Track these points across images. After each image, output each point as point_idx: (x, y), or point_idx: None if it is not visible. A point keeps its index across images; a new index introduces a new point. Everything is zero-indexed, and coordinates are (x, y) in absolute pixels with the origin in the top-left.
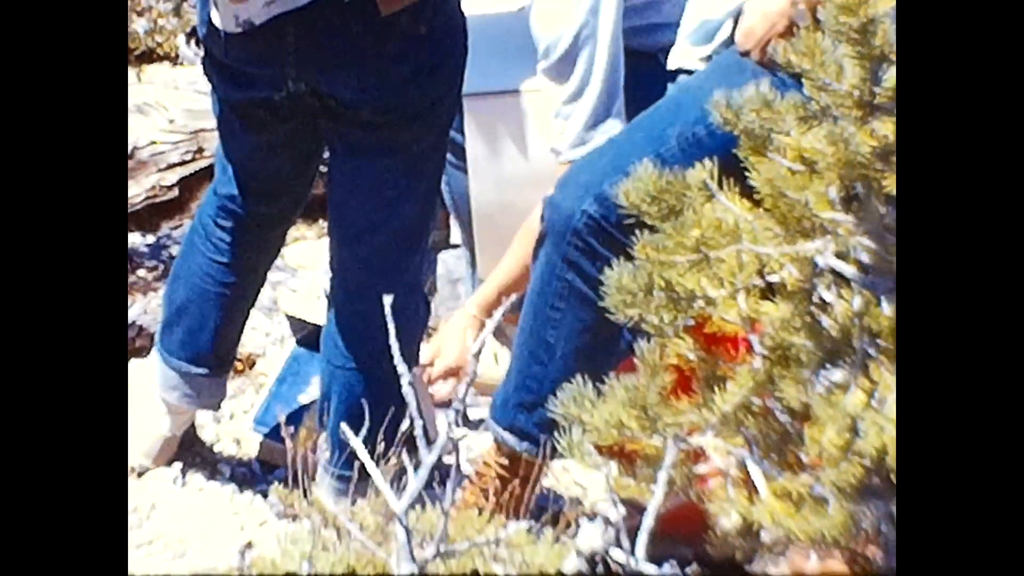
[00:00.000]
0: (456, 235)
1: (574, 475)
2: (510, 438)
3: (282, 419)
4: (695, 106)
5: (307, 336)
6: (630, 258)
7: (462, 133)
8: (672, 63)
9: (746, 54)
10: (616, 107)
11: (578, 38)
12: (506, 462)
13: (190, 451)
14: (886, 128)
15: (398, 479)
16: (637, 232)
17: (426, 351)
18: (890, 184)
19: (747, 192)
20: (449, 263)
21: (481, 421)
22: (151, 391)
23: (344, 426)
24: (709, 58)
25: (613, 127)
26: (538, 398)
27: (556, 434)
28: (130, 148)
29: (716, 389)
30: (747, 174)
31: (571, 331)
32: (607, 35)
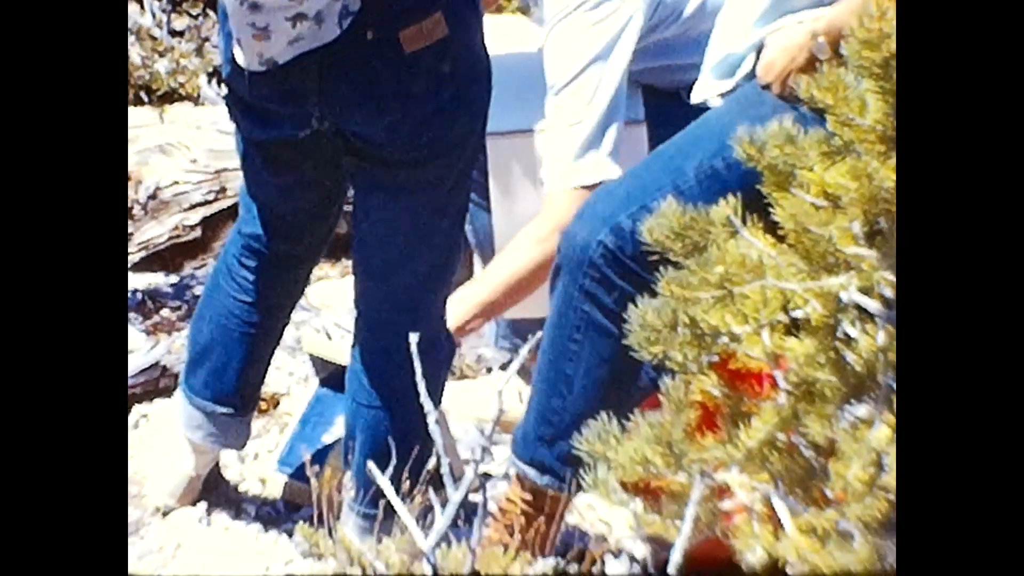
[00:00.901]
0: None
1: (599, 512)
2: (531, 472)
3: (307, 458)
4: (713, 139)
5: (331, 375)
6: (647, 290)
7: (485, 172)
8: (695, 97)
9: (767, 87)
10: (608, 143)
11: (586, 69)
12: (529, 497)
13: (215, 491)
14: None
15: (423, 517)
16: (654, 264)
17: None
18: None
19: (771, 228)
20: None
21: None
22: (175, 430)
23: (371, 464)
24: (731, 92)
25: (601, 161)
26: (558, 431)
27: (581, 470)
28: (152, 188)
29: (741, 425)
30: (770, 210)
31: (590, 363)
32: (617, 72)
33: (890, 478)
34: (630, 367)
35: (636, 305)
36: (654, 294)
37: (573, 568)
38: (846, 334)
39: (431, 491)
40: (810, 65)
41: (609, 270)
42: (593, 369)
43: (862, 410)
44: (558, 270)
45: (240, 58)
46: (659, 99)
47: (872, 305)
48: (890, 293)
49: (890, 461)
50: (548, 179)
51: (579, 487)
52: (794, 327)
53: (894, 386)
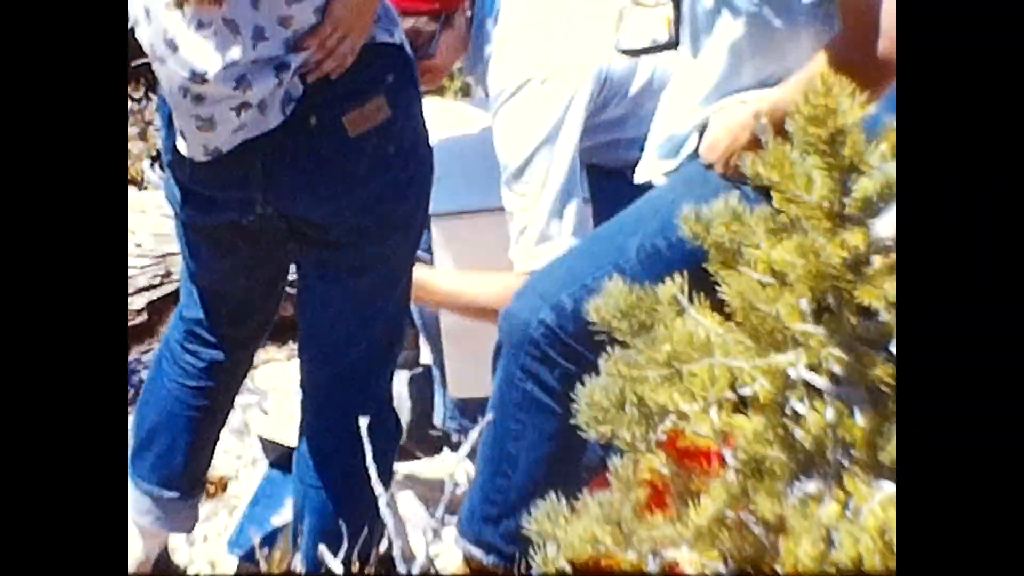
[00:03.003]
0: (426, 355)
1: None
2: (477, 552)
3: (256, 541)
4: (656, 217)
5: (280, 458)
6: (589, 368)
7: (430, 252)
8: (639, 177)
9: (710, 167)
10: (568, 222)
11: (536, 151)
12: None
13: (164, 575)
14: (856, 239)
15: None
16: (596, 342)
17: None
18: (861, 294)
19: (717, 306)
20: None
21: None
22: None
23: (322, 547)
24: (675, 171)
25: (564, 242)
26: (503, 510)
27: (529, 549)
28: None
29: (690, 503)
30: (717, 287)
31: (533, 441)
32: (567, 151)
33: (841, 553)
34: (574, 444)
35: (578, 383)
36: (596, 372)
37: None
38: (794, 411)
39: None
40: (753, 145)
41: (550, 348)
42: (536, 447)
43: (811, 486)
44: (499, 349)
45: (184, 149)
46: (604, 178)
47: (820, 382)
48: (838, 369)
49: (841, 537)
50: (515, 262)
51: (528, 566)
52: (742, 404)
53: (844, 462)
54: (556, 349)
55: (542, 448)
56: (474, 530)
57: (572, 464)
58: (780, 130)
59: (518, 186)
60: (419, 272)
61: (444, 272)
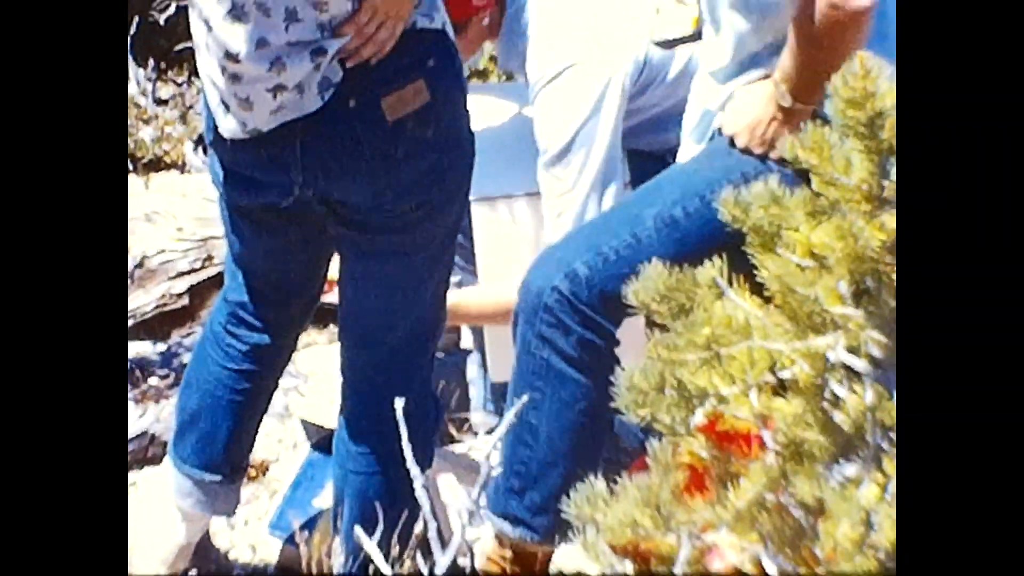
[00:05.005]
0: (467, 339)
1: None
2: (504, 525)
3: (297, 524)
4: (675, 188)
5: (321, 440)
6: (606, 336)
7: (470, 237)
8: (680, 160)
9: (733, 140)
10: (607, 206)
11: (576, 135)
12: (509, 554)
13: (205, 558)
14: (895, 221)
15: None
16: (612, 310)
17: None
18: None
19: (756, 288)
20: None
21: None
22: (165, 498)
23: (358, 529)
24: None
25: None
26: (527, 482)
27: (555, 519)
28: (139, 257)
29: (730, 486)
30: (755, 270)
31: (552, 410)
32: (606, 134)
33: (880, 536)
34: (597, 413)
35: (595, 350)
36: (616, 342)
37: None
38: (834, 394)
39: (420, 556)
40: (783, 118)
41: (564, 315)
42: (557, 416)
43: (851, 469)
44: (516, 319)
45: (224, 126)
46: (645, 162)
47: (859, 364)
48: (877, 352)
49: (880, 519)
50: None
51: (558, 537)
52: (781, 387)
53: (883, 445)
54: (571, 316)
55: (563, 417)
56: (500, 504)
57: (596, 434)
58: (798, 91)
59: (557, 169)
60: (450, 296)
61: (472, 289)
